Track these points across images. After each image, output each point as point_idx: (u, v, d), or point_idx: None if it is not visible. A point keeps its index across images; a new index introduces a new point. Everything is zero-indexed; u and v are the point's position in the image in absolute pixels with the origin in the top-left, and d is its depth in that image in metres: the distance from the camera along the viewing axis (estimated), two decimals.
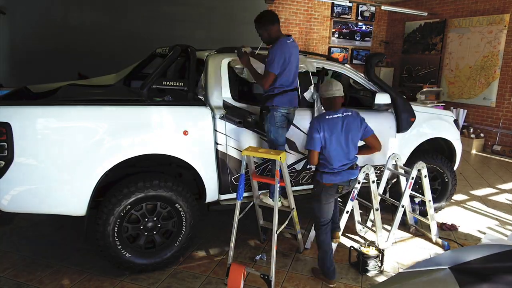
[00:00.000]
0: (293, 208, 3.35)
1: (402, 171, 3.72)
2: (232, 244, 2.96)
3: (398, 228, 3.79)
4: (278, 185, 2.91)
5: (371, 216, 3.85)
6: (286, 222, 3.25)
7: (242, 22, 6.74)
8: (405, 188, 3.65)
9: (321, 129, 2.87)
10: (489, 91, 8.13)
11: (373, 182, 3.46)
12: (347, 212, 3.46)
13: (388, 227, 3.78)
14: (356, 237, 3.90)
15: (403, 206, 3.67)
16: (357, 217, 3.94)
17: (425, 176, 3.68)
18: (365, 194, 3.77)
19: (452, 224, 4.16)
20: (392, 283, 1.87)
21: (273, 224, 2.87)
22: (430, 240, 3.86)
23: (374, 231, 3.67)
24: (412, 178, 3.60)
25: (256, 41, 3.45)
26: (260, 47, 3.49)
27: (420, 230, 4.01)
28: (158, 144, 3.07)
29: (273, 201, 3.15)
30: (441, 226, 4.16)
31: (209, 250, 3.54)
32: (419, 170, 3.63)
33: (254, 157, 3.29)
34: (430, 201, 3.76)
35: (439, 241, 3.80)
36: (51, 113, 2.77)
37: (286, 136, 3.48)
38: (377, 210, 3.53)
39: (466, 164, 6.96)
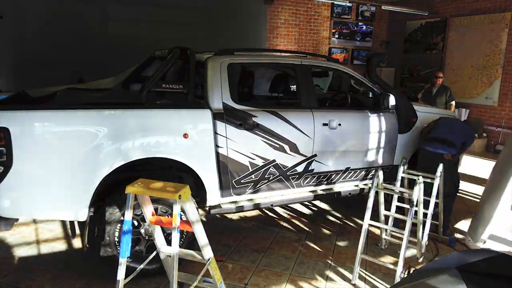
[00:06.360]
0: (209, 259, 2.46)
1: None
2: None
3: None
4: (178, 232, 2.29)
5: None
6: (202, 273, 2.55)
7: (241, 23, 6.73)
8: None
9: None
10: (491, 90, 8.08)
11: (440, 176, 3.61)
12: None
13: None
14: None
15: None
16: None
17: None
18: None
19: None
20: (406, 283, 1.85)
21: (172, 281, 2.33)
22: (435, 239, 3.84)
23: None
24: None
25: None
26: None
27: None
28: (158, 147, 3.04)
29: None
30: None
31: None
32: None
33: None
34: None
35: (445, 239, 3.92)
36: (50, 117, 2.74)
37: (287, 137, 3.47)
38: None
39: (467, 165, 6.91)
